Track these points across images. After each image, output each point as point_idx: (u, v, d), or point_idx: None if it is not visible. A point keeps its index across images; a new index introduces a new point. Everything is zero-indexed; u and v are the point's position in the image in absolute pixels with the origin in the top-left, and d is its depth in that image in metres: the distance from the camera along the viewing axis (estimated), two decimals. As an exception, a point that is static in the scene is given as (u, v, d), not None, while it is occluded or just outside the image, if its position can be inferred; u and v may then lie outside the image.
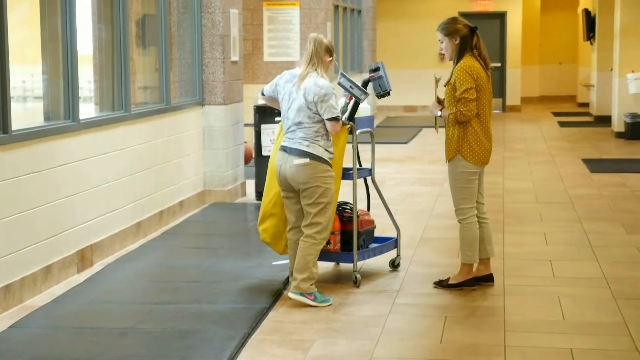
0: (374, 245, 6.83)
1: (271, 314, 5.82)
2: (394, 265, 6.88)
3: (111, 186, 7.47)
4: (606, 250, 7.52)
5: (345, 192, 6.84)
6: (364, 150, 7.05)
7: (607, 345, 5.18)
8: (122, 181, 7.69)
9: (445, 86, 6.31)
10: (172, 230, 8.45)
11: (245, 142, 10.75)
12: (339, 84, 6.47)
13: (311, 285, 5.95)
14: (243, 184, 10.34)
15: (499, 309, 5.87)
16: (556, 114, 22.06)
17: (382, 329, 5.48)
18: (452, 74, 6.22)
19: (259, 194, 9.89)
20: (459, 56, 6.18)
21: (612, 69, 17.46)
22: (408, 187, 11.02)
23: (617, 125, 16.47)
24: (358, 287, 6.38)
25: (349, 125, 6.34)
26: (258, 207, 9.55)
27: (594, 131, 17.72)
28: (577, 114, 22.00)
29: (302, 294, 5.93)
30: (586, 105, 22.83)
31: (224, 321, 5.56)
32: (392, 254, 6.97)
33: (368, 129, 6.68)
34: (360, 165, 6.69)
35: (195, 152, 9.52)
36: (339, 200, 6.58)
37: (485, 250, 6.37)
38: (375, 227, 6.91)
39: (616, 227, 8.48)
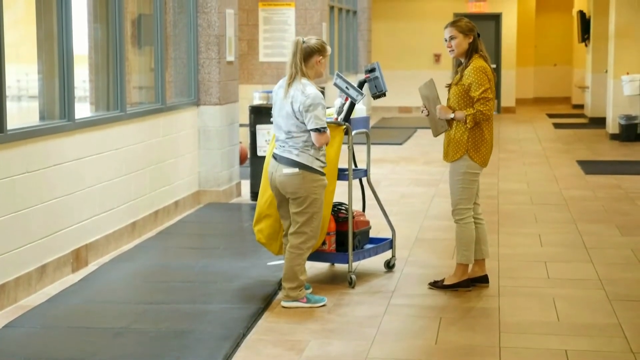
0: (369, 246, 6.83)
1: (266, 314, 5.82)
2: (389, 266, 6.89)
3: (106, 186, 7.46)
4: (601, 252, 7.53)
5: (340, 192, 6.84)
6: (360, 151, 7.05)
7: (601, 347, 5.19)
8: (117, 181, 7.68)
9: (448, 88, 6.28)
10: (167, 230, 8.45)
11: (241, 143, 10.75)
12: (335, 84, 6.46)
13: (300, 291, 5.96)
14: (238, 184, 10.34)
15: (494, 310, 5.87)
16: (551, 116, 22.09)
17: (377, 330, 5.48)
18: (458, 75, 6.17)
19: (254, 195, 9.88)
20: (468, 56, 6.15)
21: (606, 71, 17.49)
22: (403, 187, 11.03)
23: (612, 127, 16.49)
24: (353, 287, 6.38)
25: (344, 126, 6.34)
26: (253, 208, 9.54)
27: (589, 133, 17.74)
28: (571, 115, 22.03)
29: (294, 300, 5.94)
30: (581, 107, 22.87)
31: (219, 321, 5.55)
32: (387, 254, 6.97)
33: (364, 130, 6.67)
34: (355, 166, 6.69)
35: (191, 152, 9.52)
36: (334, 201, 6.58)
37: (480, 251, 6.38)
38: (370, 228, 6.91)
39: (611, 229, 8.49)
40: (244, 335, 5.35)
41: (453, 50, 6.13)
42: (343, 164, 6.50)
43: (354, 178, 6.57)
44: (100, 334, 5.34)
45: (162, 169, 8.70)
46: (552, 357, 5.01)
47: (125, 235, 7.80)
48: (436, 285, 6.36)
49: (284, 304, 5.96)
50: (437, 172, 12.28)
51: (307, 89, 5.80)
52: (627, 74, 16.11)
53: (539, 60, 26.93)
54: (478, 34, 6.18)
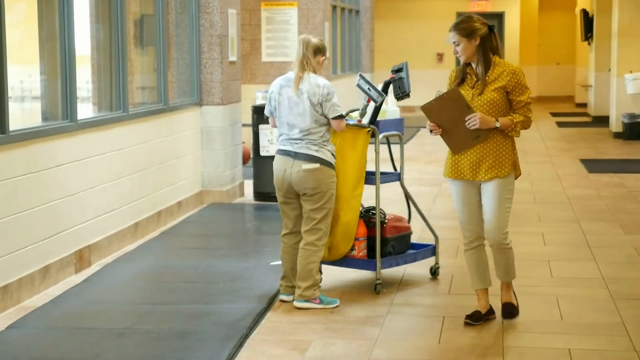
0: (410, 252, 6.56)
1: (269, 314, 5.81)
2: (433, 272, 6.62)
3: (109, 186, 7.46)
4: (604, 251, 7.52)
5: (368, 196, 6.56)
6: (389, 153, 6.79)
7: (605, 346, 5.18)
8: (120, 181, 7.68)
9: (475, 91, 5.41)
10: (170, 230, 8.45)
11: (244, 143, 10.74)
12: (358, 85, 6.34)
13: (315, 290, 5.93)
14: (241, 185, 10.34)
15: (497, 310, 5.85)
16: (554, 114, 22.07)
17: (380, 330, 5.47)
18: (479, 80, 5.39)
19: (257, 194, 9.89)
20: (485, 58, 5.37)
21: (610, 70, 17.47)
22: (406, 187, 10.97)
23: (615, 125, 16.48)
24: (377, 293, 6.18)
25: (368, 128, 6.15)
26: (256, 208, 9.58)
27: (592, 131, 17.73)
28: (575, 114, 22.02)
29: (307, 301, 5.91)
30: (584, 105, 22.85)
31: (222, 322, 5.55)
32: (430, 261, 6.70)
33: (396, 132, 6.42)
34: (394, 169, 6.55)
35: (193, 153, 9.52)
36: (367, 205, 6.45)
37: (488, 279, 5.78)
38: (411, 233, 6.66)
39: (614, 228, 8.48)
40: (247, 336, 5.34)
41: (460, 56, 5.42)
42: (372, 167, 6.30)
43: (387, 182, 6.42)
44: (103, 335, 5.34)
45: (165, 169, 8.70)
46: (555, 356, 5.00)
47: (128, 235, 7.80)
48: (514, 313, 5.64)
49: (296, 304, 5.92)
50: (440, 171, 12.20)
51: (319, 81, 5.86)
52: (630, 72, 16.09)
53: (542, 59, 26.92)
54: (491, 28, 5.42)
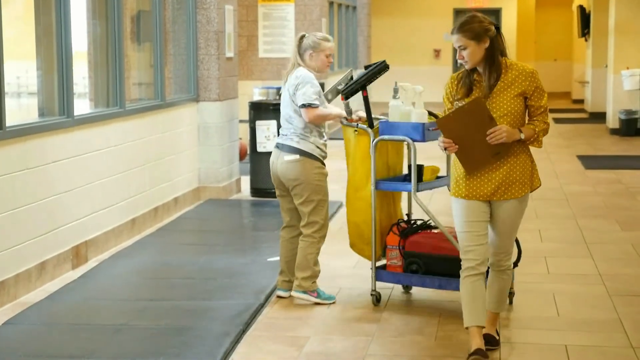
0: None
1: (266, 310, 5.82)
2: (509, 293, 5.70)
3: (106, 182, 7.46)
4: (601, 247, 7.53)
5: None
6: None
7: (601, 342, 5.19)
8: (117, 177, 7.68)
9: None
10: (167, 226, 8.44)
11: (240, 139, 10.74)
12: None
13: (313, 282, 5.93)
14: (238, 181, 10.34)
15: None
16: (551, 111, 22.03)
17: (377, 326, 5.48)
18: (490, 83, 4.68)
19: (254, 191, 9.88)
20: (495, 62, 4.67)
21: (606, 66, 17.48)
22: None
23: (612, 121, 16.50)
24: (375, 305, 5.91)
25: (355, 129, 5.90)
26: (253, 204, 9.58)
27: (589, 128, 17.74)
28: (572, 110, 22.02)
29: (305, 292, 5.91)
30: (581, 102, 22.87)
31: (219, 318, 5.55)
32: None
33: (401, 137, 5.76)
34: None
35: (190, 149, 9.51)
36: (423, 218, 6.17)
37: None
38: (454, 257, 5.45)
39: (611, 224, 8.49)
40: (244, 332, 5.35)
41: (467, 62, 4.67)
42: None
43: (399, 190, 6.03)
44: (100, 331, 5.34)
45: (162, 165, 8.69)
46: (552, 352, 5.01)
47: (125, 231, 7.80)
48: (490, 343, 4.98)
49: (294, 293, 5.93)
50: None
51: (298, 72, 5.88)
52: (627, 68, 16.11)
53: (539, 55, 26.92)
54: (497, 28, 4.73)
